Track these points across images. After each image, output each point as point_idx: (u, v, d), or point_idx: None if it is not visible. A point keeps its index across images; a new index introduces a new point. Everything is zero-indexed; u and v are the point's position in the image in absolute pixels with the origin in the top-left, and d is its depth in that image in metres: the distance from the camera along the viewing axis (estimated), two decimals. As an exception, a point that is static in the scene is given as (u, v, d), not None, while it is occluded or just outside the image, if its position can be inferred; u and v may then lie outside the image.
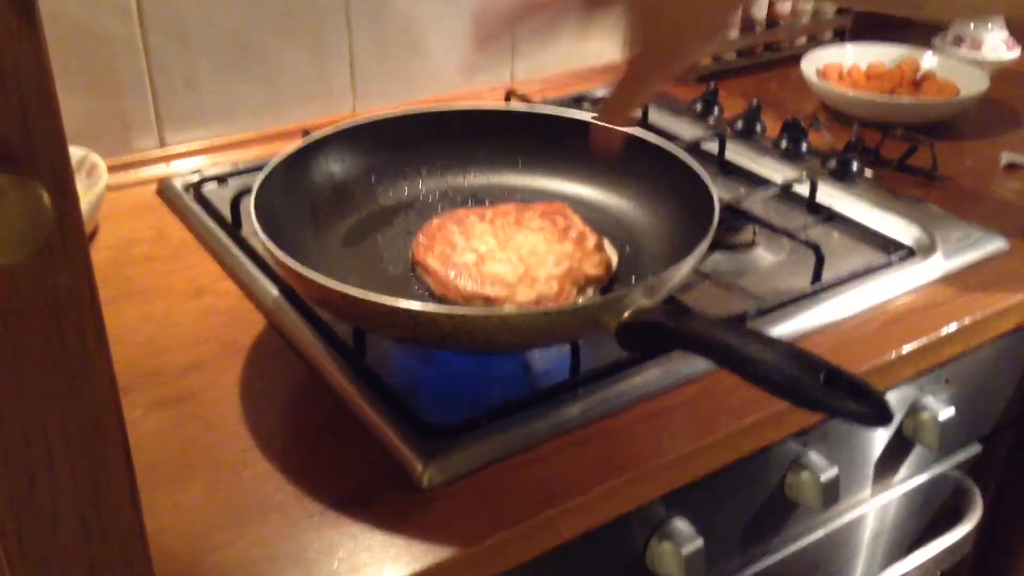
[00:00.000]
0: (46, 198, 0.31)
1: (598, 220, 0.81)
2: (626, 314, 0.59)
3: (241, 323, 0.75)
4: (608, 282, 0.74)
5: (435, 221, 0.79)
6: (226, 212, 0.86)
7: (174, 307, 0.77)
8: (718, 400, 0.68)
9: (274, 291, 0.76)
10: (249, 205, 0.69)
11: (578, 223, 0.79)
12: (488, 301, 0.69)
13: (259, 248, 0.79)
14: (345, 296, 0.60)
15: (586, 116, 0.86)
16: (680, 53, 0.59)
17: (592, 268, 0.73)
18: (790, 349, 0.51)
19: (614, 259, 0.76)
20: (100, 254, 0.83)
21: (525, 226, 0.78)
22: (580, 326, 0.61)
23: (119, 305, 0.76)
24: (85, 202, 0.81)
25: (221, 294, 0.79)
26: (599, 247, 0.76)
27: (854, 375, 0.49)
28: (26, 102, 0.29)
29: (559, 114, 0.87)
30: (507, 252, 0.75)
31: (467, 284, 0.70)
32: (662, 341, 0.58)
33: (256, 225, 0.66)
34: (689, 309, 0.73)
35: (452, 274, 0.71)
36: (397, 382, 0.67)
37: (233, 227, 0.85)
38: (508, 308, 0.68)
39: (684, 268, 0.65)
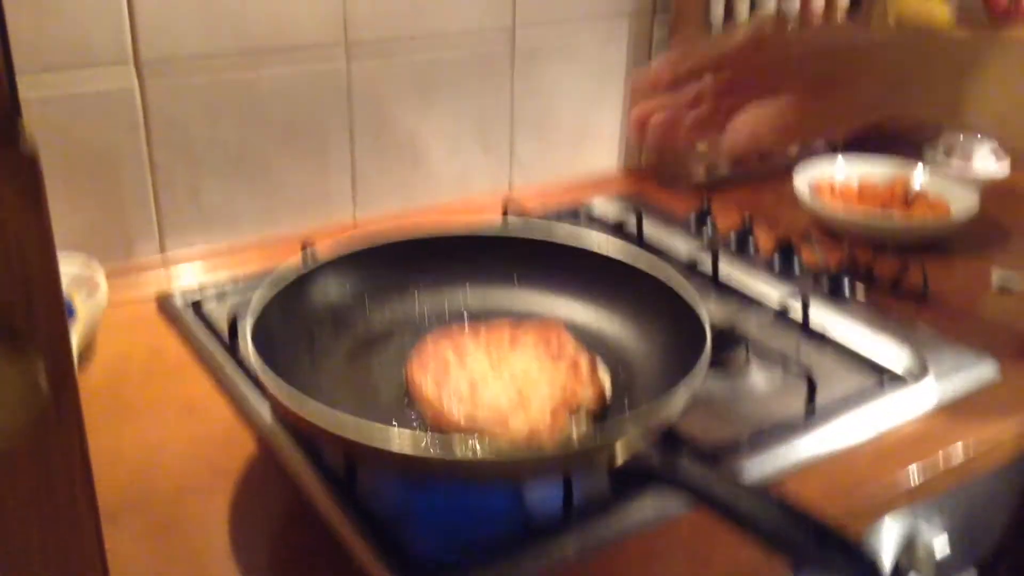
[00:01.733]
0: (43, 372, 0.31)
1: (592, 342, 0.82)
2: (619, 455, 0.59)
3: (233, 446, 0.75)
4: (602, 409, 0.74)
5: (428, 342, 0.79)
6: (223, 329, 0.87)
7: (166, 428, 0.77)
8: (714, 535, 0.67)
9: (267, 414, 0.76)
10: (246, 331, 0.69)
11: (571, 346, 0.79)
12: (480, 431, 0.69)
13: (254, 369, 0.80)
14: (338, 436, 0.60)
15: (579, 241, 0.87)
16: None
17: (585, 396, 0.73)
18: (782, 504, 0.51)
19: (608, 384, 0.76)
20: (95, 372, 0.83)
21: (519, 347, 0.79)
22: (573, 465, 0.61)
23: (112, 426, 0.76)
24: (84, 320, 0.82)
25: (214, 415, 0.79)
26: (593, 372, 0.76)
27: (846, 534, 0.49)
28: (30, 279, 0.30)
29: (553, 239, 0.88)
30: (501, 376, 0.75)
31: (460, 413, 0.70)
32: (654, 483, 0.58)
33: (253, 356, 0.66)
34: (683, 446, 0.73)
35: (445, 402, 0.71)
36: (388, 513, 0.66)
37: (230, 345, 0.85)
38: (501, 445, 0.68)
39: (677, 402, 0.66)
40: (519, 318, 0.85)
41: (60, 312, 0.33)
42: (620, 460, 0.58)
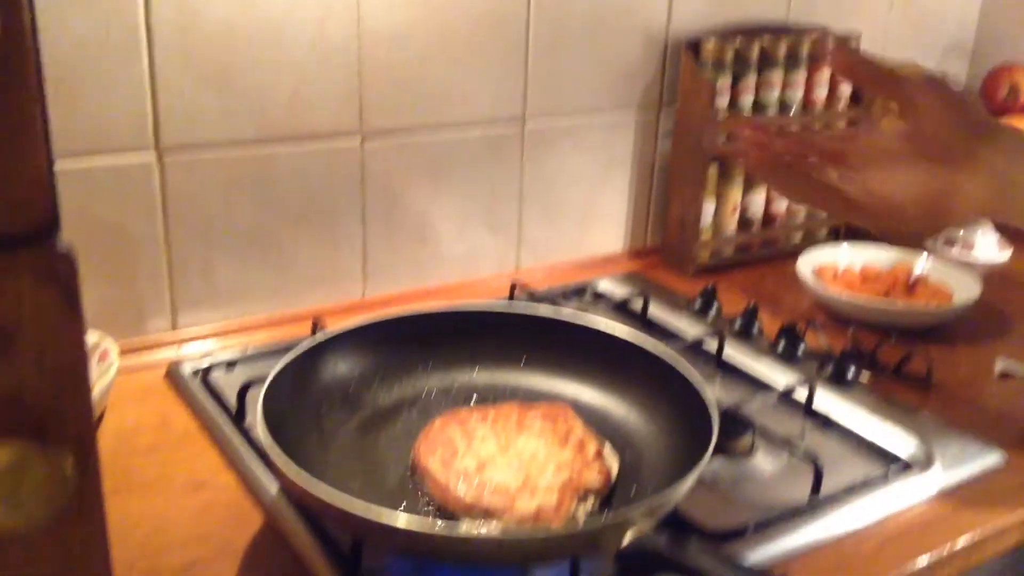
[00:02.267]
0: (70, 467, 0.32)
1: (598, 423, 0.83)
2: (626, 538, 0.59)
3: (239, 520, 0.75)
4: (608, 492, 0.75)
5: (437, 422, 0.80)
6: (232, 401, 0.87)
7: (173, 501, 0.77)
8: (717, 621, 0.67)
9: (274, 488, 0.76)
10: (256, 406, 0.70)
11: (579, 428, 0.80)
12: (487, 512, 0.69)
13: (262, 443, 0.80)
14: (346, 513, 0.60)
15: (586, 321, 0.89)
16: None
17: (592, 478, 0.73)
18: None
19: (615, 466, 0.77)
20: (104, 442, 0.84)
21: (526, 429, 0.79)
22: (580, 547, 0.62)
23: (120, 498, 0.76)
24: (95, 389, 0.83)
25: (221, 488, 0.79)
26: (599, 455, 0.77)
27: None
28: (60, 385, 0.31)
29: (562, 318, 0.90)
30: (508, 458, 0.75)
31: (467, 494, 0.70)
32: (661, 568, 0.58)
33: (262, 431, 0.67)
34: (690, 529, 0.73)
35: (452, 482, 0.72)
36: (392, 593, 0.66)
37: (238, 417, 0.86)
38: (507, 528, 0.68)
39: (683, 487, 0.66)
40: (526, 398, 0.86)
41: (88, 408, 0.34)
42: (626, 542, 0.58)
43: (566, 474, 0.73)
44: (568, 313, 0.91)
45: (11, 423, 0.31)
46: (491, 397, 0.87)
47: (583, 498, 0.72)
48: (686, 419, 0.77)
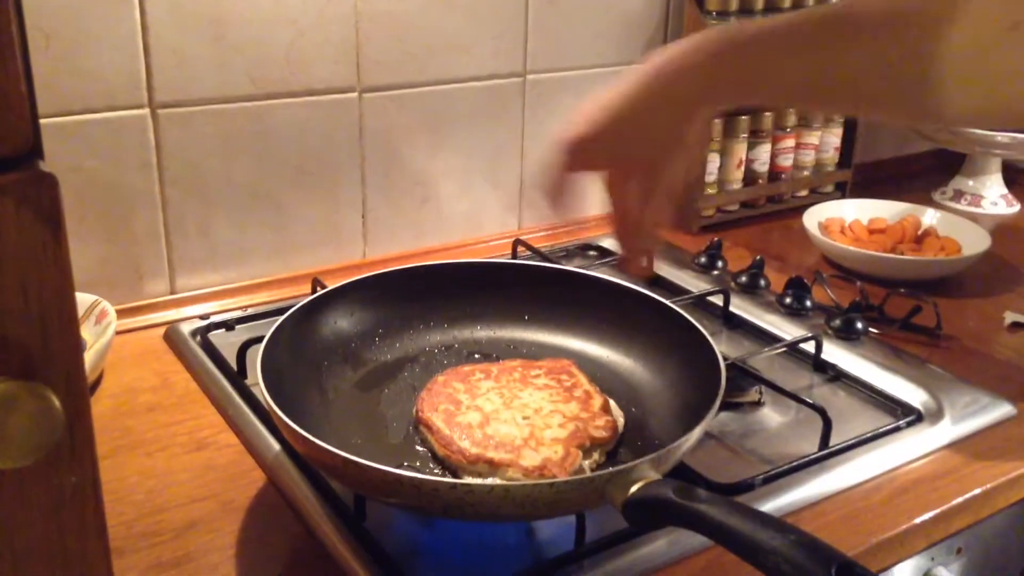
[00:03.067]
0: (58, 406, 0.31)
1: (604, 378, 0.81)
2: (634, 488, 0.58)
3: (241, 479, 0.74)
4: (614, 445, 0.74)
5: (440, 378, 0.79)
6: (232, 360, 0.86)
7: (174, 461, 0.76)
8: (725, 574, 0.66)
9: (275, 446, 0.75)
10: (256, 362, 0.69)
11: (584, 382, 0.79)
12: (492, 465, 0.68)
13: (263, 401, 0.79)
14: (348, 463, 0.59)
15: (590, 271, 0.87)
16: (650, 181, 0.66)
17: (598, 431, 0.72)
18: (801, 537, 0.50)
19: (620, 420, 0.76)
20: (103, 403, 0.83)
21: (530, 384, 0.78)
22: (586, 499, 0.60)
23: (119, 458, 0.76)
24: (93, 349, 0.82)
25: (222, 447, 0.78)
26: (605, 408, 0.76)
27: (867, 570, 0.48)
28: (46, 315, 0.30)
29: (565, 268, 0.88)
30: (512, 412, 0.74)
31: (471, 446, 0.69)
32: (669, 518, 0.57)
33: (263, 389, 0.66)
34: (697, 482, 0.72)
35: (456, 436, 0.71)
36: (397, 549, 0.65)
37: (238, 376, 0.85)
38: (513, 479, 0.67)
39: (691, 439, 0.65)
40: (531, 353, 0.85)
41: (76, 343, 0.32)
42: (633, 494, 0.57)
43: (571, 427, 0.72)
44: (570, 267, 0.89)
45: (-3, 358, 0.30)
46: (494, 353, 0.85)
47: (589, 451, 0.71)
48: (692, 370, 0.76)
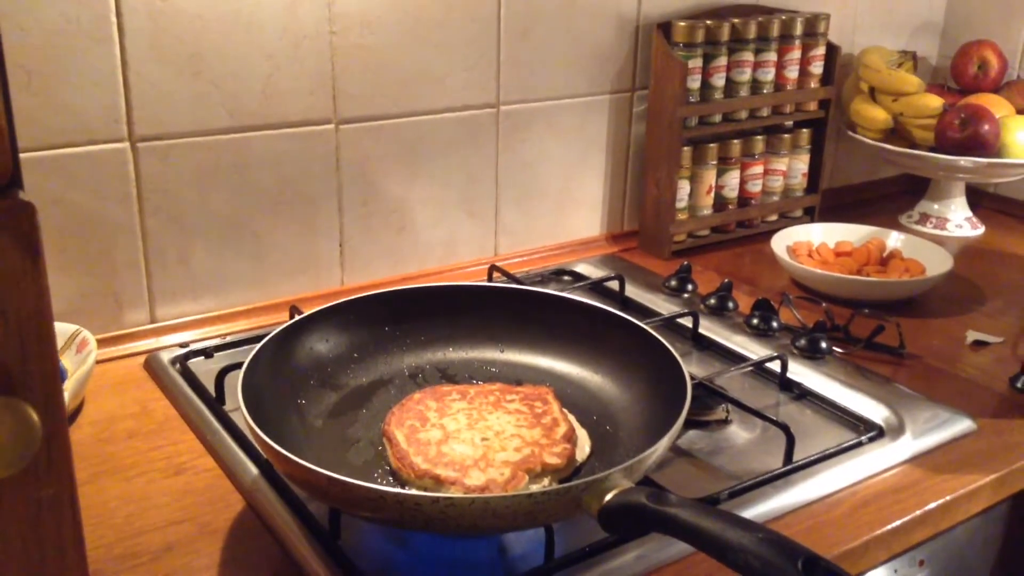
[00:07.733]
0: (36, 420, 0.32)
1: (575, 396, 0.84)
2: (608, 496, 0.60)
3: (219, 503, 0.76)
4: (570, 474, 0.75)
5: (416, 395, 0.81)
6: (211, 387, 0.88)
7: (153, 485, 0.77)
8: (694, 585, 0.68)
9: (253, 470, 0.77)
10: (236, 385, 0.71)
11: (555, 410, 0.80)
12: (437, 481, 0.70)
13: (242, 425, 0.81)
14: (332, 481, 0.61)
15: (561, 295, 0.89)
16: None
17: (551, 457, 0.73)
18: (769, 535, 0.52)
19: (586, 449, 0.77)
20: (84, 430, 0.84)
21: (502, 408, 0.80)
22: (564, 509, 0.62)
23: (99, 483, 0.77)
24: (73, 378, 0.83)
25: (200, 472, 0.79)
26: (568, 437, 0.77)
27: (832, 564, 0.50)
28: (24, 335, 0.32)
29: (538, 291, 0.91)
30: (473, 433, 0.76)
31: (422, 462, 0.72)
32: (642, 523, 0.59)
33: (243, 410, 0.68)
34: (668, 491, 0.74)
35: (412, 451, 0.73)
36: (370, 567, 0.67)
37: (217, 403, 0.87)
38: (493, 492, 0.69)
39: (660, 448, 0.67)
40: (504, 373, 0.87)
41: (53, 363, 0.34)
42: (608, 501, 0.59)
43: (527, 451, 0.74)
44: (544, 289, 0.92)
45: (-23, 378, 0.32)
46: (469, 374, 0.87)
47: (539, 476, 0.73)
48: (661, 386, 0.78)
